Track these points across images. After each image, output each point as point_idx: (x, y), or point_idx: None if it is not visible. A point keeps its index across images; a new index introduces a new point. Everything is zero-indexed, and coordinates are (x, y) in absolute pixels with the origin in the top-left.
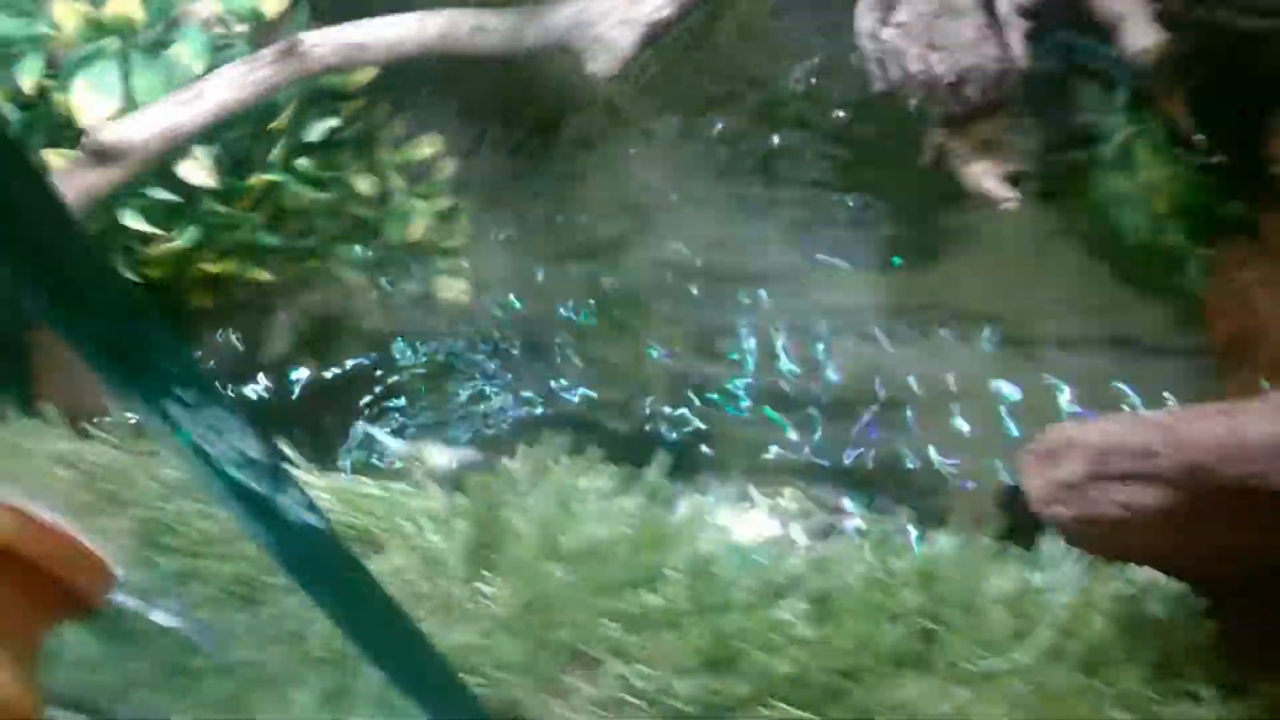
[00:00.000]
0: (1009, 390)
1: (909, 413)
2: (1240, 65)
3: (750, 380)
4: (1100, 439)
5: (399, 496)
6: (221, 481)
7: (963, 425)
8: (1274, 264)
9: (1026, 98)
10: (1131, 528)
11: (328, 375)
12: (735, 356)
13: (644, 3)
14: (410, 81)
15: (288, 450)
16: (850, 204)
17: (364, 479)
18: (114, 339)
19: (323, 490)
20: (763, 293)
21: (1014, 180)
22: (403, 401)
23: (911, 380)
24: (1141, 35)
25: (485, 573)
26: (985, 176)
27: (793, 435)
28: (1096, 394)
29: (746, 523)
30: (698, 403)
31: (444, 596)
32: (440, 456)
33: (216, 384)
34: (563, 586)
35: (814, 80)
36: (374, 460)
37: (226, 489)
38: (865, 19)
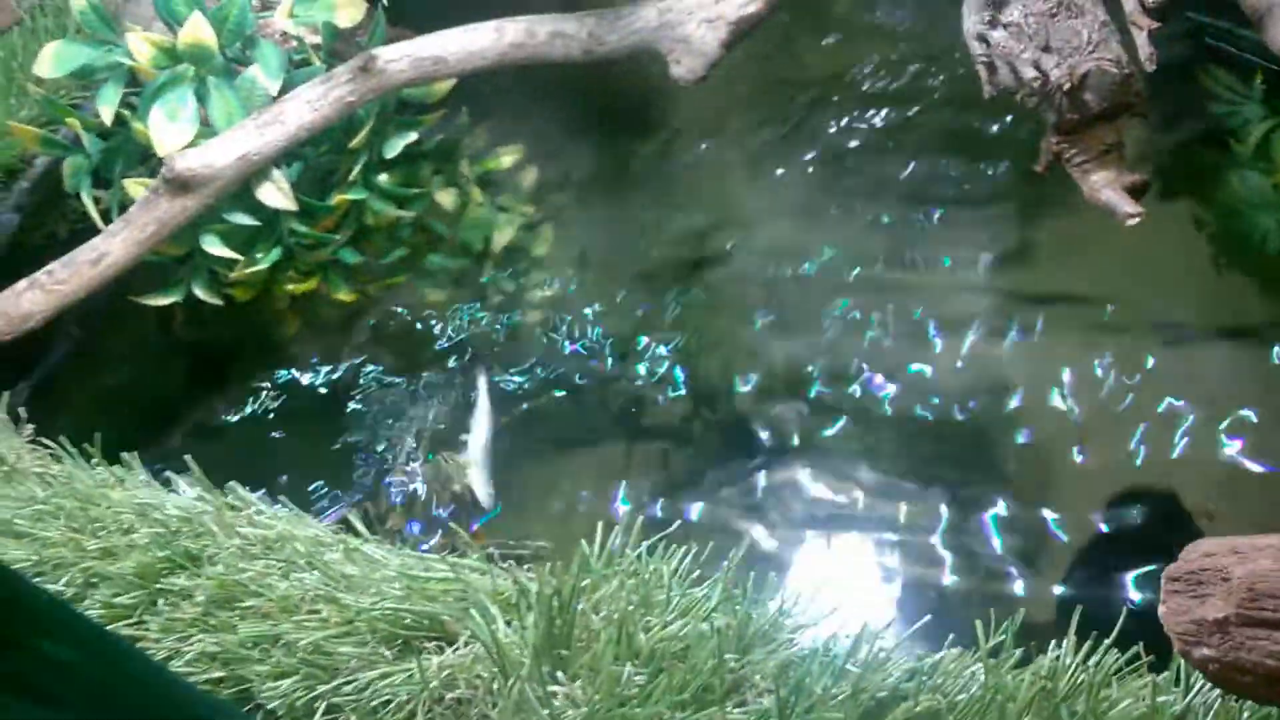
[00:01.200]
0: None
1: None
2: None
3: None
4: (1252, 578)
5: (468, 576)
6: None
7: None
8: None
9: (1152, 89)
10: None
11: (411, 391)
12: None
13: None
14: (489, 91)
15: (358, 523)
16: (945, 209)
17: (433, 559)
18: None
19: (393, 572)
20: (860, 311)
21: (1138, 191)
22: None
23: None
24: None
25: (559, 673)
26: (1106, 188)
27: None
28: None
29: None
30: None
31: (517, 696)
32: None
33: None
34: (639, 692)
35: (913, 78)
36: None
37: None
38: (972, 18)
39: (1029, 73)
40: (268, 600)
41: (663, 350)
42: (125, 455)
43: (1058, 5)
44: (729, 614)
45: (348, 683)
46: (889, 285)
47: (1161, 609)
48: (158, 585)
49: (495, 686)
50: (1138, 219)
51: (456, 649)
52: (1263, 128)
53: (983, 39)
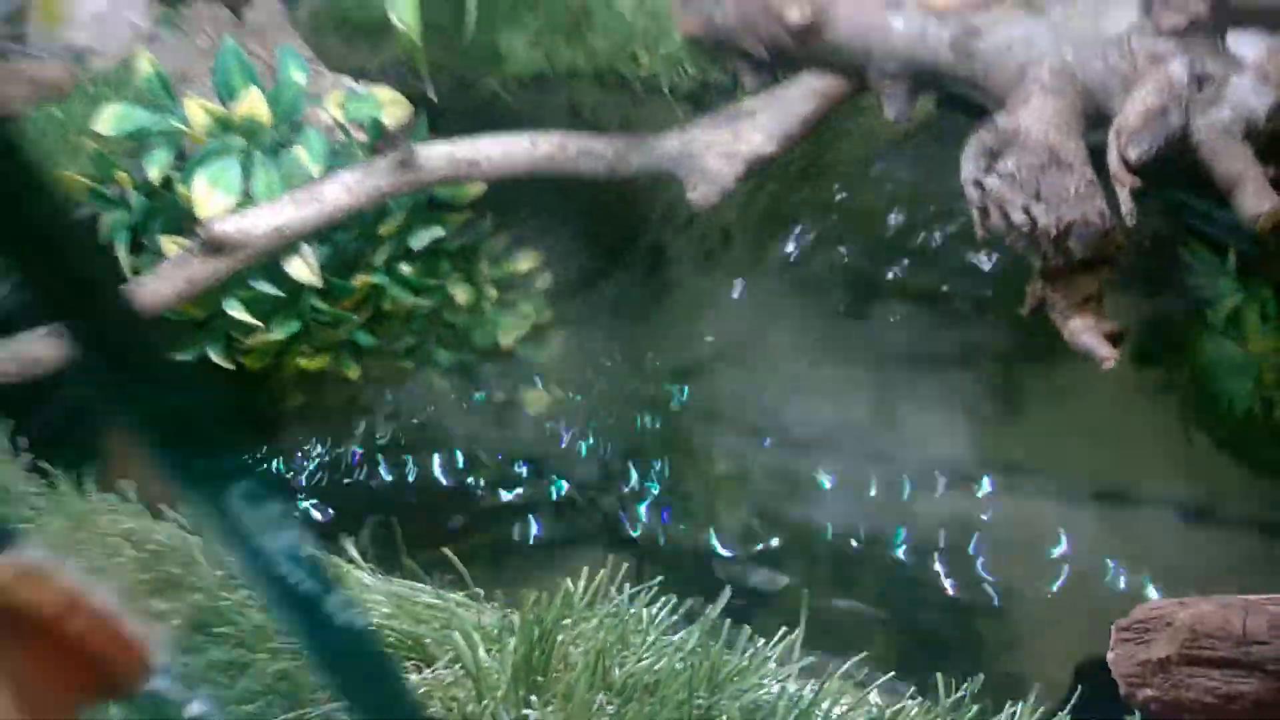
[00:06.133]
0: (1094, 557)
1: (980, 568)
2: None
3: (824, 532)
4: (1194, 620)
5: (455, 608)
6: (265, 575)
7: (1043, 589)
8: None
9: (1136, 256)
10: (1224, 716)
11: (405, 478)
12: (811, 509)
13: (747, 138)
14: (516, 197)
15: (352, 550)
16: (944, 350)
17: (423, 587)
18: (170, 425)
19: (382, 595)
20: (841, 440)
21: (1115, 338)
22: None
23: (988, 540)
24: (1256, 200)
25: (533, 697)
26: (1085, 332)
27: (863, 590)
28: (1184, 567)
29: (808, 672)
30: (771, 544)
31: (490, 718)
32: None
33: (268, 478)
34: None
35: (915, 222)
36: None
37: (270, 582)
38: (970, 165)
39: (1019, 217)
40: (240, 629)
41: (648, 468)
42: (121, 484)
43: (1048, 159)
44: (703, 656)
45: (314, 705)
46: (868, 434)
47: (1110, 656)
48: (136, 606)
49: (470, 709)
50: (1113, 362)
51: (435, 669)
52: (1234, 300)
53: (978, 184)
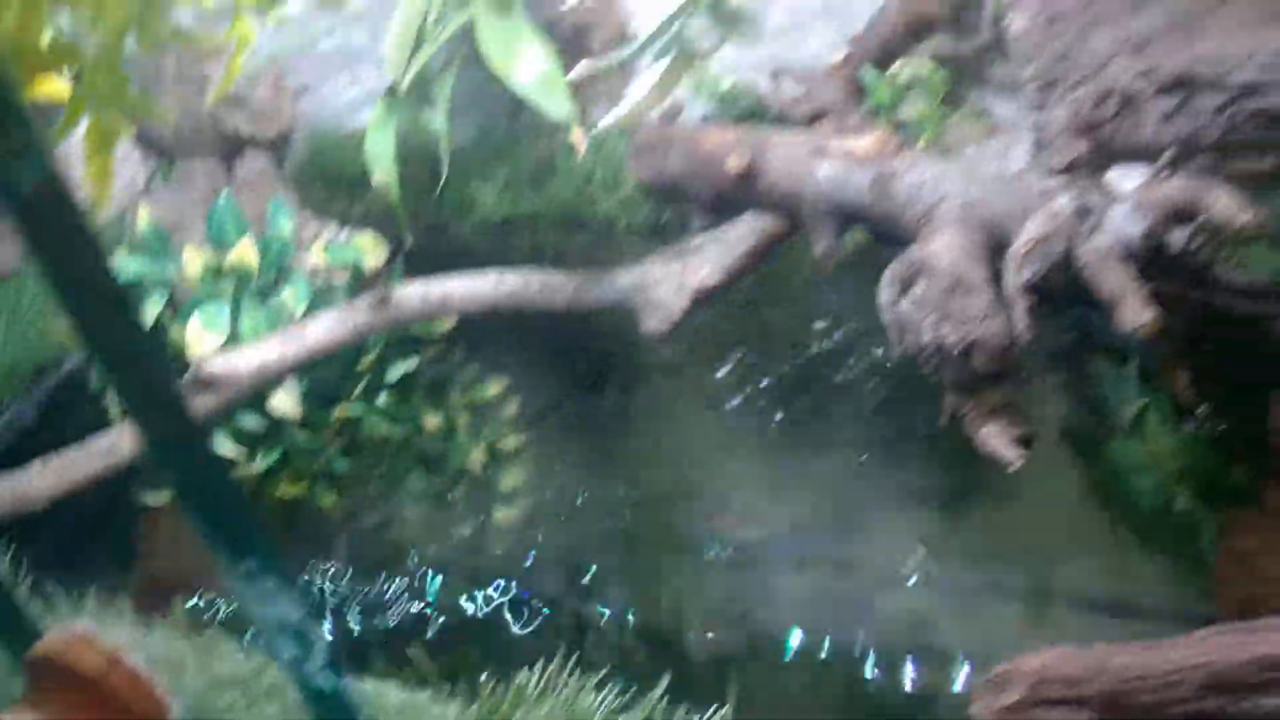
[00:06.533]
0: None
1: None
2: (1238, 344)
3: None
4: (1039, 668)
5: (422, 702)
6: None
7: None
8: (1278, 531)
9: (1048, 367)
10: None
11: (372, 597)
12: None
13: (695, 271)
14: (484, 330)
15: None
16: (878, 461)
17: (391, 684)
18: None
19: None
20: (793, 548)
21: (1024, 443)
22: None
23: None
24: (1135, 313)
25: None
26: (995, 439)
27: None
28: None
29: None
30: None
31: None
32: None
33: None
34: None
35: (851, 343)
36: None
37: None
38: (886, 291)
39: (928, 337)
40: None
41: (609, 578)
42: (117, 600)
43: (954, 284)
44: None
45: None
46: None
47: (972, 709)
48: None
49: None
50: (1020, 463)
51: None
52: (1137, 404)
53: (893, 307)
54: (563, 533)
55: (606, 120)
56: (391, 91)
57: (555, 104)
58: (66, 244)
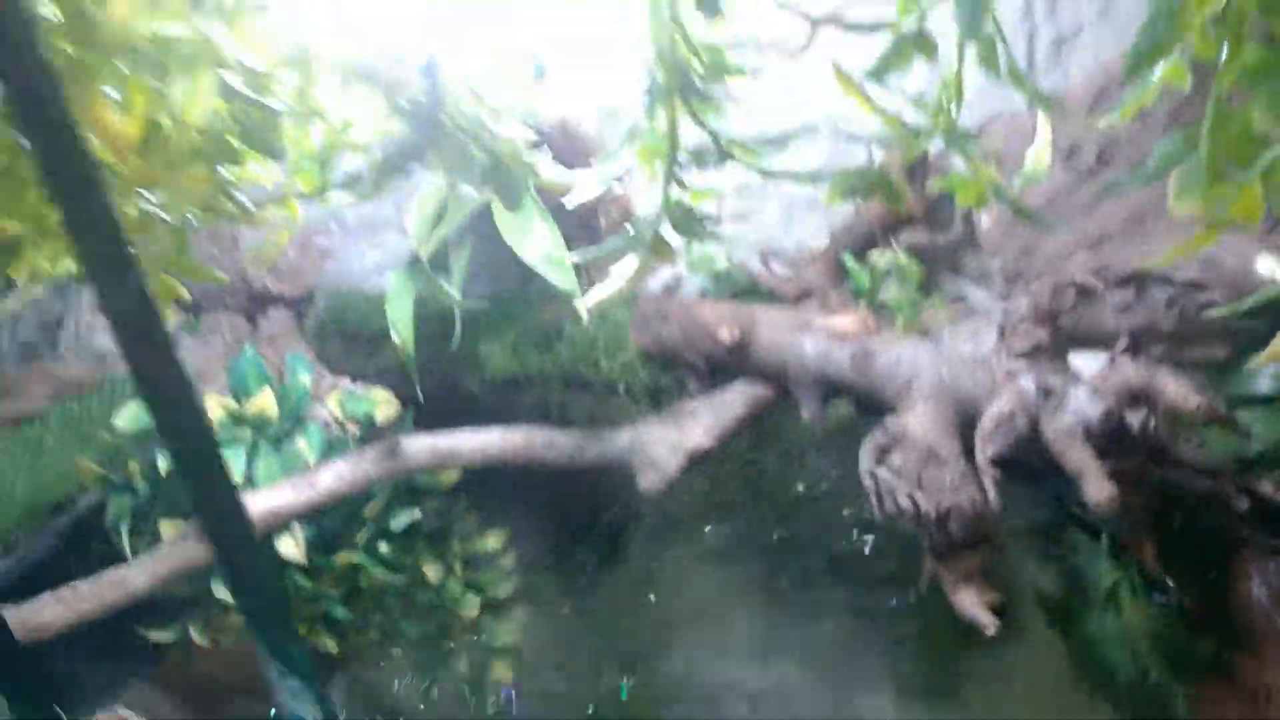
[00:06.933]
0: None
1: None
2: (1199, 519)
3: None
4: None
5: None
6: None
7: None
8: (1247, 702)
9: (1026, 538)
10: None
11: None
12: None
13: (689, 433)
14: (486, 483)
15: None
16: (865, 625)
17: None
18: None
19: None
20: (783, 705)
21: (997, 610)
22: None
23: None
24: (1097, 489)
25: None
26: (969, 604)
27: None
28: None
29: None
30: None
31: None
32: None
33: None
34: None
35: (841, 505)
36: None
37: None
38: (866, 458)
39: (905, 503)
40: None
41: None
42: None
43: (928, 455)
44: None
45: None
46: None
47: None
48: None
49: None
50: (994, 629)
51: None
52: (1110, 578)
53: (873, 475)
54: (555, 683)
55: (591, 296)
56: (414, 261)
57: (561, 278)
58: (160, 369)
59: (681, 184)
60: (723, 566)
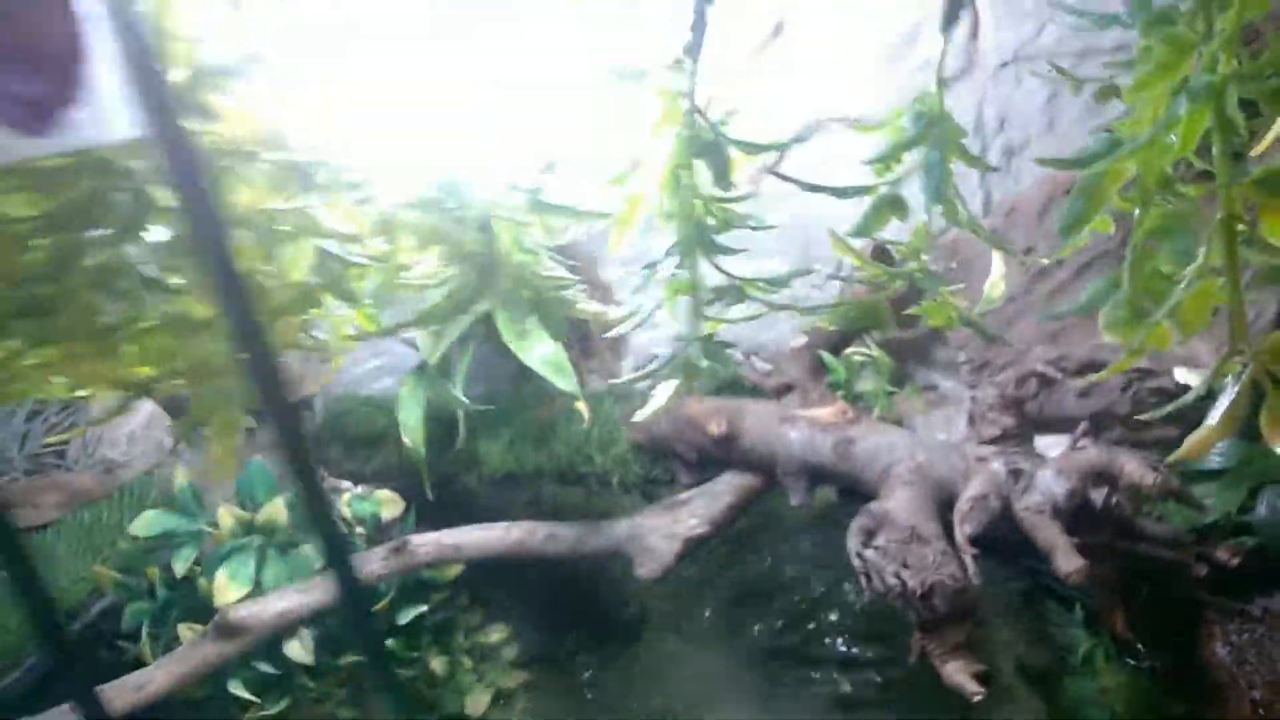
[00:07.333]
0: None
1: None
2: (1164, 587)
3: None
4: None
5: None
6: None
7: None
8: None
9: (1006, 611)
10: None
11: None
12: None
13: (683, 522)
14: (489, 577)
15: None
16: (861, 690)
17: None
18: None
19: None
20: None
21: (983, 679)
22: None
23: None
24: (1066, 562)
25: None
26: (957, 673)
27: None
28: None
29: None
30: None
31: None
32: None
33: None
34: None
35: (825, 588)
36: None
37: None
38: (853, 540)
39: (892, 581)
40: None
41: None
42: None
43: (911, 535)
44: None
45: None
46: None
47: None
48: None
49: None
50: (980, 697)
51: None
52: (1086, 645)
53: (860, 556)
54: None
55: (639, 417)
56: (422, 367)
57: (563, 380)
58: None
59: (708, 318)
60: (716, 650)
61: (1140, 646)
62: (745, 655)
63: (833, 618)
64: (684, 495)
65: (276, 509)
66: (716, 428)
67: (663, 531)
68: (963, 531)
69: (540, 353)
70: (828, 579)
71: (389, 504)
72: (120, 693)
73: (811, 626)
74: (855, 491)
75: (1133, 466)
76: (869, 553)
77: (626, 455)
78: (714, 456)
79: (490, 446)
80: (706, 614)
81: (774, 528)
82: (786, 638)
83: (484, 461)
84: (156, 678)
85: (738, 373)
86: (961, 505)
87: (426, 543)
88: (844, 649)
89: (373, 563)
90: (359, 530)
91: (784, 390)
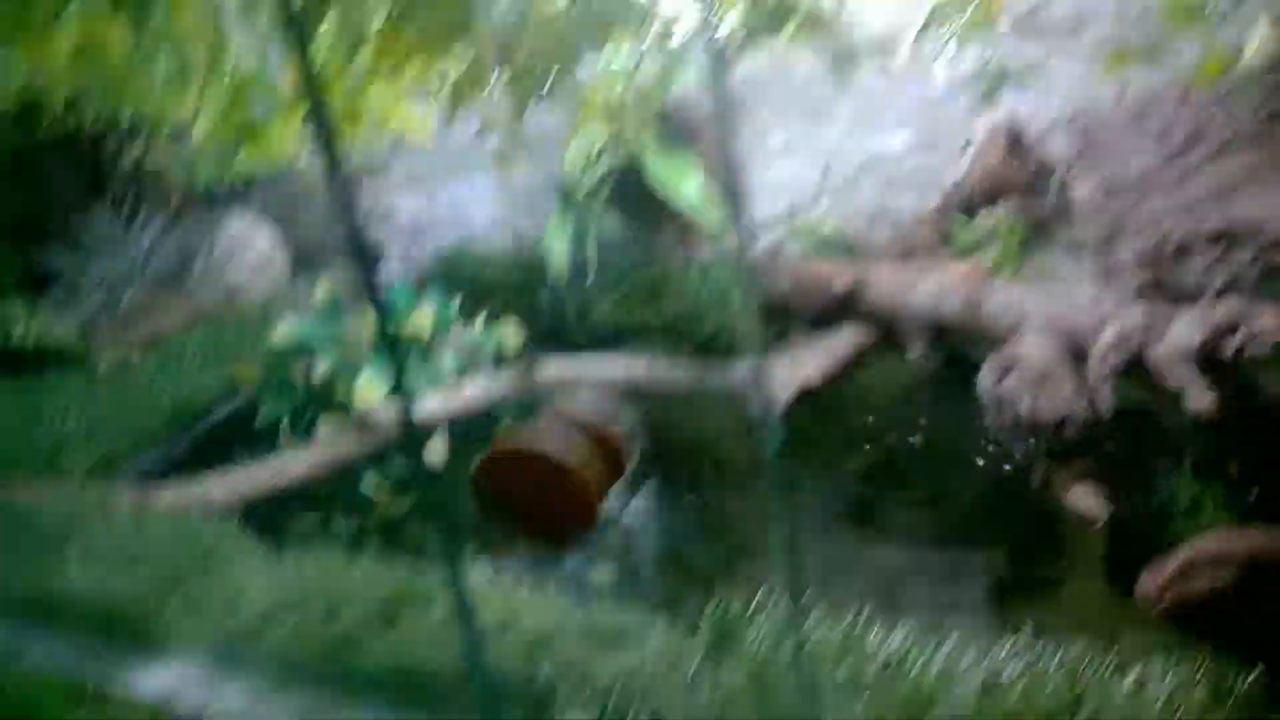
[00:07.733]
0: None
1: None
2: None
3: None
4: (1191, 548)
5: None
6: None
7: None
8: None
9: (1116, 462)
10: None
11: None
12: None
13: (800, 368)
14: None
15: None
16: (953, 560)
17: None
18: None
19: None
20: None
21: (1104, 503)
22: None
23: None
24: (1199, 400)
25: None
26: (1081, 497)
27: None
28: None
29: None
30: None
31: None
32: None
33: None
34: None
35: (935, 439)
36: None
37: None
38: (986, 377)
39: (1025, 412)
40: None
41: None
42: None
43: (1044, 375)
44: None
45: None
46: None
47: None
48: None
49: None
50: (1101, 519)
51: None
52: (1191, 492)
53: (993, 388)
54: None
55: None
56: (566, 198)
57: (710, 218)
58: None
59: None
60: (820, 500)
61: (1249, 497)
62: (844, 509)
63: (938, 470)
64: (803, 345)
65: (423, 322)
66: (842, 284)
67: (781, 376)
68: (1103, 367)
69: (694, 189)
70: (929, 441)
71: (512, 334)
72: (257, 474)
73: (912, 483)
74: (970, 358)
75: (1268, 319)
76: (1002, 388)
77: (734, 315)
78: (832, 314)
79: (600, 300)
80: (810, 463)
81: (893, 377)
82: (885, 492)
83: (593, 314)
84: (295, 464)
85: (857, 240)
86: (1104, 342)
87: (551, 368)
88: (941, 504)
89: (501, 382)
90: (485, 354)
91: (906, 256)
